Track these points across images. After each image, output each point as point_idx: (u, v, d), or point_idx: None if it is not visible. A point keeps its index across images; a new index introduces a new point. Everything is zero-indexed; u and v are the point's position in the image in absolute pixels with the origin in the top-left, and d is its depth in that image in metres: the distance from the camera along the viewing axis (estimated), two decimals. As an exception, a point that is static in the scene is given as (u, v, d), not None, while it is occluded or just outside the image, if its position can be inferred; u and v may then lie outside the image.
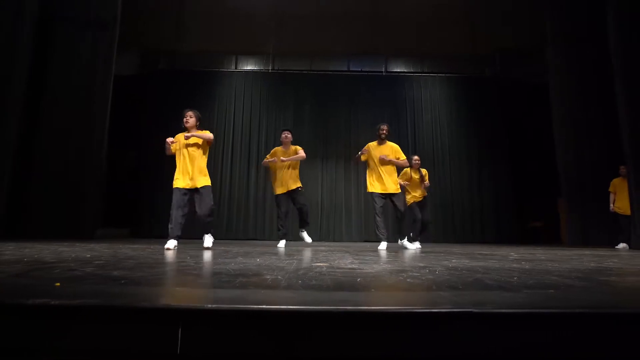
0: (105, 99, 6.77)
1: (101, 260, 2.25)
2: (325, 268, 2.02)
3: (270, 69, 9.95)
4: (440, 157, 9.60)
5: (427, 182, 5.84)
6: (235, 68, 9.95)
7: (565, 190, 7.12)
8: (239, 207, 9.19)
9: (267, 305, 0.92)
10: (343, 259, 2.78)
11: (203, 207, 3.98)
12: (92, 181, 6.58)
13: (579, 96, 7.05)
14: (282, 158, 5.20)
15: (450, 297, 1.05)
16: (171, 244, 3.74)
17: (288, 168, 5.33)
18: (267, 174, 9.37)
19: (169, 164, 9.21)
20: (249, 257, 2.86)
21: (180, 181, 4.03)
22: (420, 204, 5.84)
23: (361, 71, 10.12)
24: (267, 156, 5.49)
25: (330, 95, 9.77)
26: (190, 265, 2.12)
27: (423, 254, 3.55)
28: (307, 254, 3.41)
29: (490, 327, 0.85)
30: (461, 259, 2.87)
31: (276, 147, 5.53)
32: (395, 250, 4.32)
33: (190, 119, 4.10)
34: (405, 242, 4.83)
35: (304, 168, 9.44)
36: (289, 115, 9.70)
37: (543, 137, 8.13)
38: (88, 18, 6.67)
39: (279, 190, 5.27)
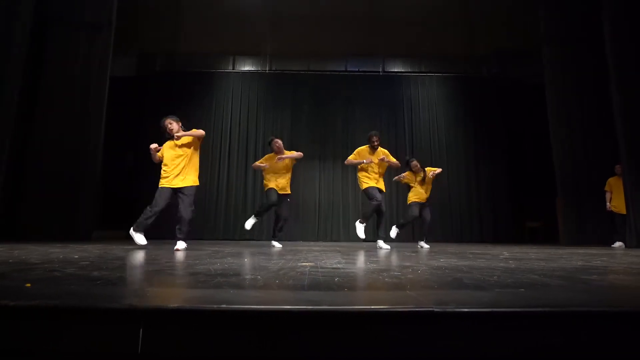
0: (101, 100, 6.77)
1: (87, 261, 2.25)
2: (308, 268, 2.02)
3: (267, 69, 9.96)
4: (438, 157, 9.58)
5: (434, 171, 5.81)
6: (233, 69, 9.96)
7: (562, 190, 7.11)
8: (236, 208, 9.20)
9: (230, 304, 0.92)
10: (331, 259, 2.78)
11: (186, 209, 3.93)
12: (88, 183, 6.59)
13: (575, 96, 7.05)
14: (279, 156, 5.19)
15: (416, 297, 1.04)
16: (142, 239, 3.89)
17: (285, 172, 5.31)
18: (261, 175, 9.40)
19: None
20: (239, 257, 2.86)
21: (167, 180, 3.98)
22: (423, 205, 5.90)
23: (358, 71, 10.12)
24: (260, 161, 5.50)
25: (327, 95, 9.77)
26: (173, 265, 2.12)
27: (413, 254, 3.55)
28: (298, 254, 3.41)
29: (447, 326, 0.85)
30: (450, 258, 2.87)
31: (269, 154, 5.50)
32: (391, 249, 4.32)
33: (171, 125, 3.99)
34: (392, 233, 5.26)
35: (301, 168, 9.49)
36: (287, 115, 9.71)
37: (541, 137, 8.11)
38: (83, 20, 6.68)
39: (273, 186, 5.25)
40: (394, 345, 0.85)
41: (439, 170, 5.91)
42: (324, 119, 9.67)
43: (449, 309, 0.89)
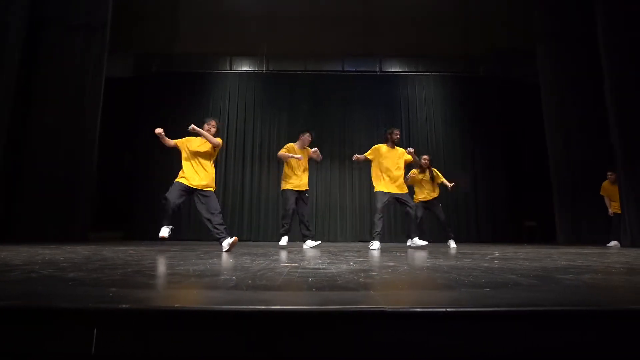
0: (97, 101, 6.79)
1: (71, 262, 2.25)
2: (288, 268, 2.02)
3: (264, 69, 9.97)
4: (435, 157, 9.52)
5: (445, 183, 5.83)
6: (230, 69, 9.97)
7: (557, 189, 7.10)
8: (233, 209, 9.20)
9: (185, 305, 0.93)
10: (317, 259, 2.78)
11: (214, 211, 4.03)
12: (84, 184, 6.61)
13: (570, 95, 7.04)
14: (314, 151, 5.14)
15: (373, 296, 1.05)
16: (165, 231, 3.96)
17: (304, 169, 5.23)
18: (264, 171, 9.41)
19: (163, 166, 9.27)
20: (226, 258, 2.86)
21: (184, 180, 4.03)
22: (430, 204, 5.89)
23: (356, 71, 10.11)
24: (284, 150, 5.24)
25: (324, 95, 9.77)
26: (154, 266, 2.13)
27: (402, 254, 3.54)
28: (284, 254, 3.41)
29: (397, 325, 0.85)
30: (437, 258, 2.87)
31: (291, 144, 5.32)
32: (389, 250, 4.31)
33: (213, 128, 4.13)
34: (416, 240, 4.90)
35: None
36: (284, 115, 9.71)
37: (537, 136, 8.10)
38: (78, 20, 6.71)
39: (290, 186, 5.08)
40: (345, 344, 0.85)
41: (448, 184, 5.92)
42: (321, 119, 9.66)
43: (401, 309, 0.89)
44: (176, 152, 9.48)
